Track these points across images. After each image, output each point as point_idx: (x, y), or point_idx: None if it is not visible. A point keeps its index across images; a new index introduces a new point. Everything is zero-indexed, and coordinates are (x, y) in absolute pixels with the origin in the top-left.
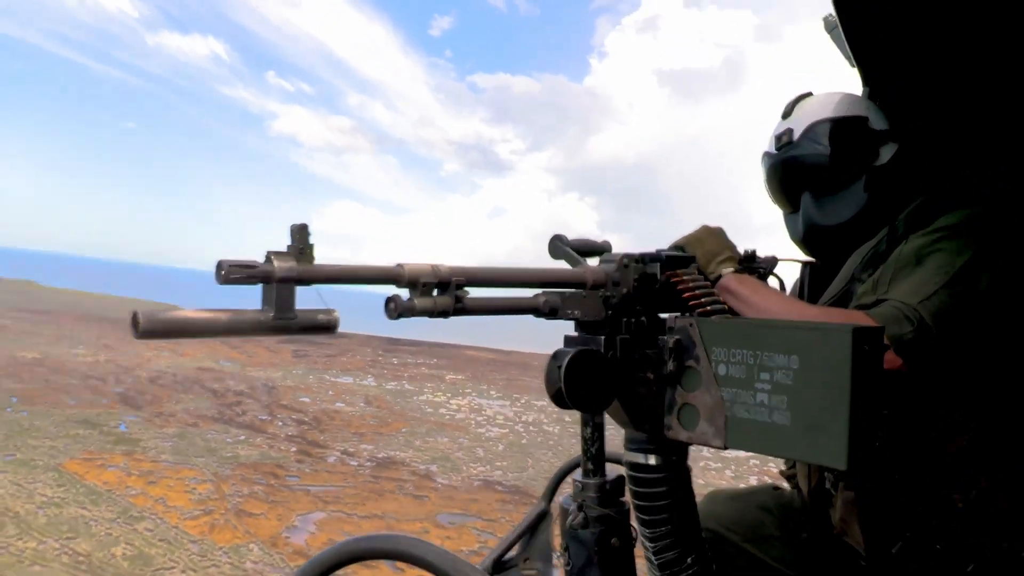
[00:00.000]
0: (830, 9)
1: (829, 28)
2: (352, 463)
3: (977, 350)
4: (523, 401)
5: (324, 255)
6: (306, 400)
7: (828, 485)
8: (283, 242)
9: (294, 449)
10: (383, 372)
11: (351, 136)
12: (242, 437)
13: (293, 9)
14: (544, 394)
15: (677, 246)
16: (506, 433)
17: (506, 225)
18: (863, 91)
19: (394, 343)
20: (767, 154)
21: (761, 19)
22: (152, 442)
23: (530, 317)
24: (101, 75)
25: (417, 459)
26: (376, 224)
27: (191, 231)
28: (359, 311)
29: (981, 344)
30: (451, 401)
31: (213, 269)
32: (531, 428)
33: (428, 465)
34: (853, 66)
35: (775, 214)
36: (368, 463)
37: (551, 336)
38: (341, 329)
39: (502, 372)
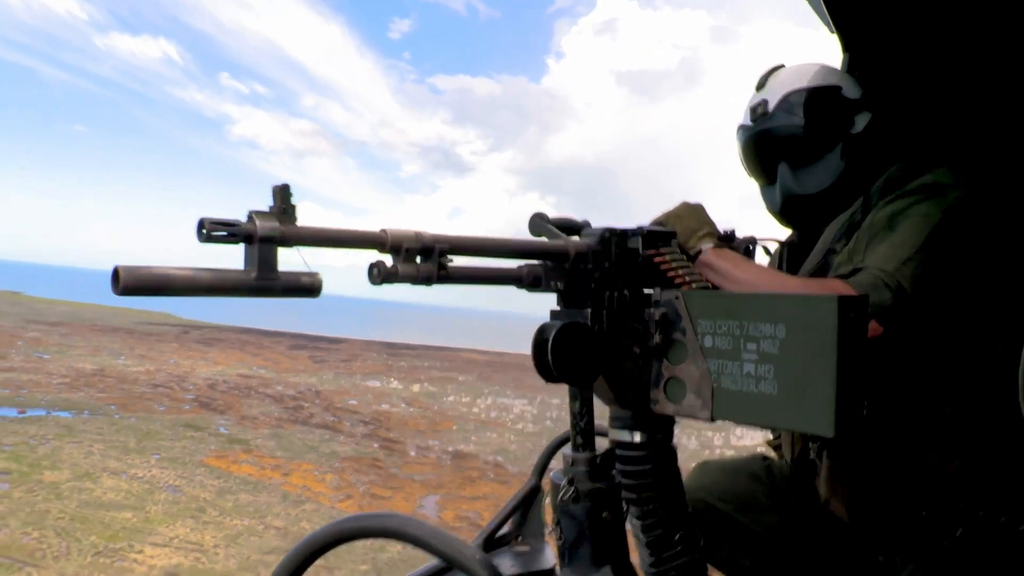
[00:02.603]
0: (783, 9)
1: None
2: (431, 456)
3: (954, 314)
4: (539, 400)
5: (287, 260)
6: (354, 403)
7: (813, 455)
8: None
9: (376, 445)
10: (402, 376)
11: (312, 139)
12: (327, 436)
13: (246, 11)
14: (558, 392)
15: (658, 222)
16: (541, 429)
17: (466, 225)
18: (843, 57)
19: (392, 347)
20: (742, 127)
21: (716, 20)
22: (258, 441)
23: (514, 320)
24: (49, 78)
25: (482, 452)
26: (336, 224)
27: (148, 236)
28: (356, 319)
29: (958, 307)
30: (477, 401)
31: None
32: (560, 424)
33: (494, 456)
34: (832, 32)
35: (731, 210)
36: (445, 456)
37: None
38: (339, 335)
39: (504, 373)
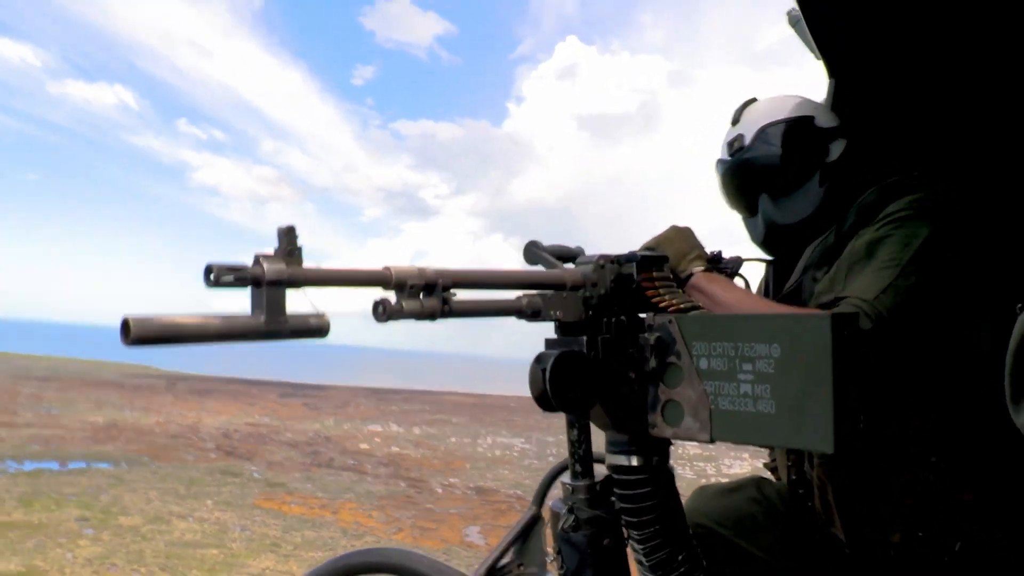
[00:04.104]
0: (737, 54)
1: (793, 22)
2: (457, 492)
3: (939, 333)
4: (535, 438)
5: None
6: (366, 447)
7: (808, 475)
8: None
9: (404, 484)
10: (399, 419)
11: (275, 186)
12: (355, 478)
13: (204, 57)
14: (550, 430)
15: (648, 246)
16: (546, 465)
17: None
18: (829, 83)
19: (379, 392)
20: (721, 161)
21: (673, 65)
22: (295, 484)
23: (484, 363)
24: (0, 126)
25: (501, 487)
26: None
27: (107, 286)
28: (334, 365)
29: (943, 326)
30: (478, 441)
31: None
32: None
33: (513, 490)
34: (818, 59)
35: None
36: (469, 491)
37: (508, 378)
38: (323, 382)
39: (493, 414)
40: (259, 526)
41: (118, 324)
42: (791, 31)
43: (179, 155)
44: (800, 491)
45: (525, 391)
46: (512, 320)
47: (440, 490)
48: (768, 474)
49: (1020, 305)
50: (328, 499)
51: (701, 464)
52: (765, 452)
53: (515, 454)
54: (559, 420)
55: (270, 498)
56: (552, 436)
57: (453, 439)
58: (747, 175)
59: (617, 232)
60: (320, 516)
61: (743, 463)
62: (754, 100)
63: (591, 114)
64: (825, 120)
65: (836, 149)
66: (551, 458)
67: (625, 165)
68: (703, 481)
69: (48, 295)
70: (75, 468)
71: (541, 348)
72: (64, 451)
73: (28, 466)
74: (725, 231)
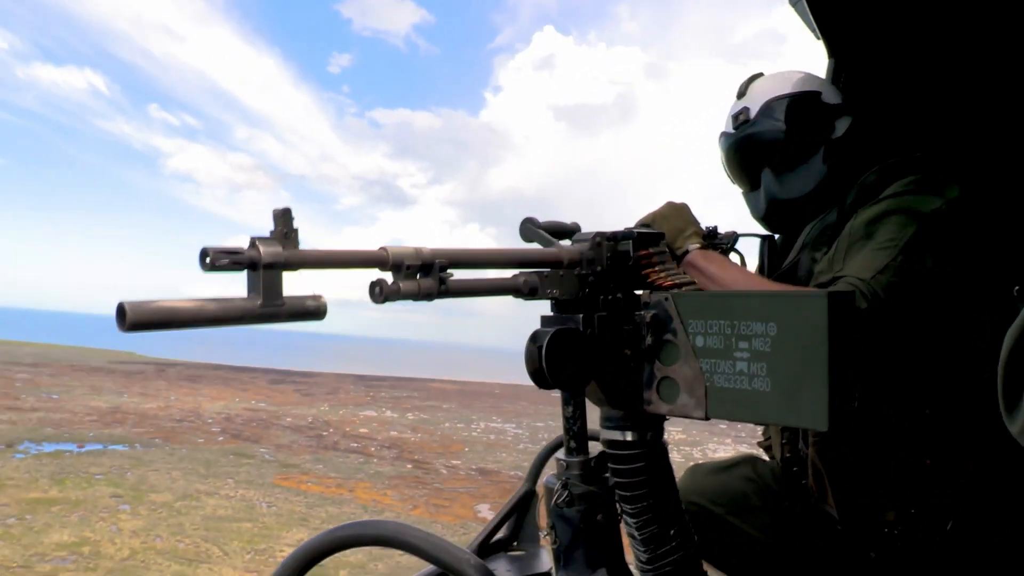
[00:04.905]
0: (713, 47)
1: (793, 2)
2: (461, 473)
3: (936, 316)
4: (525, 423)
5: (230, 287)
6: (365, 431)
7: (803, 453)
8: (172, 282)
9: (409, 466)
10: (392, 405)
11: (251, 173)
12: (362, 460)
13: (177, 42)
14: (539, 416)
15: (643, 223)
16: (539, 448)
17: None
18: (828, 63)
19: (365, 379)
20: (725, 134)
21: (649, 57)
22: (308, 465)
23: (464, 350)
24: None
25: (503, 468)
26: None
27: (76, 273)
28: (314, 353)
29: (939, 309)
30: (471, 426)
31: (114, 312)
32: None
33: (515, 472)
34: (818, 39)
35: None
36: (472, 472)
37: (487, 365)
38: (308, 369)
39: (480, 400)
40: (283, 503)
41: (94, 311)
42: (766, 24)
43: (152, 141)
44: (794, 468)
45: (506, 378)
46: (488, 308)
47: (445, 471)
48: (762, 453)
49: (1018, 288)
50: (342, 479)
51: (687, 448)
52: (749, 436)
53: (509, 439)
54: (547, 406)
55: (287, 478)
56: (541, 422)
57: (447, 424)
58: (750, 149)
59: (594, 220)
60: (338, 494)
61: (727, 447)
62: (760, 75)
63: (568, 104)
64: (832, 96)
65: (841, 126)
66: (543, 442)
67: (602, 156)
68: (690, 464)
69: (18, 282)
70: (93, 449)
71: (516, 336)
72: (78, 434)
73: (48, 447)
74: (702, 221)
